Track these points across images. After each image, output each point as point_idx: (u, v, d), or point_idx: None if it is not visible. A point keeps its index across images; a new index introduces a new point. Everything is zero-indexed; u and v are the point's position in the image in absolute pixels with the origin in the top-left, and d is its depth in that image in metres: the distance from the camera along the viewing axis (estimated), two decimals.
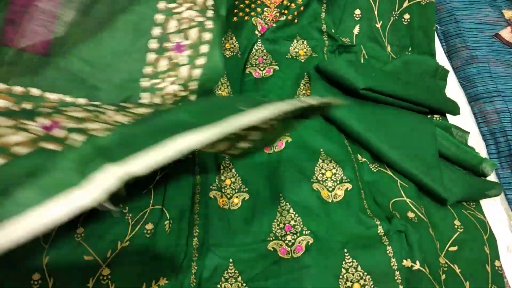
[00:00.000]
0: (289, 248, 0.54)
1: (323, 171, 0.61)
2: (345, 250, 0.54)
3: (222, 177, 0.61)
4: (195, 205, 0.58)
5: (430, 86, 0.76)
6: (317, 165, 0.62)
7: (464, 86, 0.87)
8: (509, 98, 0.82)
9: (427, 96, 0.71)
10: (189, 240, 0.55)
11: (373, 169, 0.63)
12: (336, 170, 0.61)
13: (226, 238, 0.55)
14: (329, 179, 0.61)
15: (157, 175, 0.60)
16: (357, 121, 0.63)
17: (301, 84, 0.70)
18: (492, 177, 0.76)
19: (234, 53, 0.76)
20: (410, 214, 0.59)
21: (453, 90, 0.86)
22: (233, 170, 0.62)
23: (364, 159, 0.64)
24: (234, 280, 0.51)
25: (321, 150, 0.62)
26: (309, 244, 0.54)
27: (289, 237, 0.55)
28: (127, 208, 0.57)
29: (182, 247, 0.54)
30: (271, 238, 0.55)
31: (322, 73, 0.69)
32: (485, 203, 0.72)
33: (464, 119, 0.82)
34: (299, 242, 0.55)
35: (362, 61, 0.79)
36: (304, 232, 0.55)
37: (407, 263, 0.53)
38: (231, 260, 0.53)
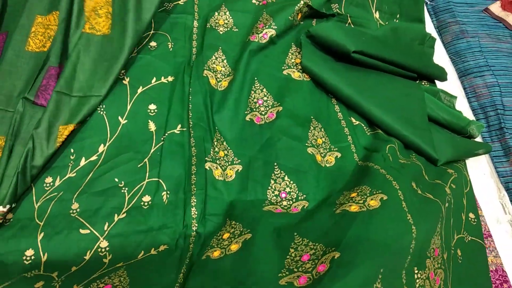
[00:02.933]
0: (285, 210, 0.55)
1: (315, 137, 0.61)
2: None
3: (216, 149, 0.60)
4: (191, 176, 0.57)
5: (418, 52, 0.76)
6: (310, 131, 0.61)
7: (454, 61, 0.86)
8: (499, 73, 0.82)
9: (416, 61, 0.71)
10: (187, 210, 0.55)
11: (367, 132, 0.62)
12: (325, 139, 0.61)
13: (223, 209, 0.55)
14: (320, 146, 0.61)
15: (151, 148, 0.60)
16: (348, 85, 0.63)
17: (289, 53, 0.69)
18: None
19: (228, 29, 0.74)
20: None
21: (444, 65, 0.85)
22: (225, 143, 0.61)
23: (357, 122, 0.63)
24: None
25: (312, 117, 0.62)
26: (305, 207, 0.55)
27: (284, 203, 0.56)
28: (122, 182, 0.57)
29: (180, 217, 0.54)
30: (267, 204, 0.56)
31: (312, 39, 0.68)
32: (475, 176, 0.72)
33: (454, 94, 0.82)
34: (295, 206, 0.55)
35: None
36: (300, 197, 0.56)
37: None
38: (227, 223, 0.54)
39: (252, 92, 0.64)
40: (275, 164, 0.57)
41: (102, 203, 0.54)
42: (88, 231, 0.52)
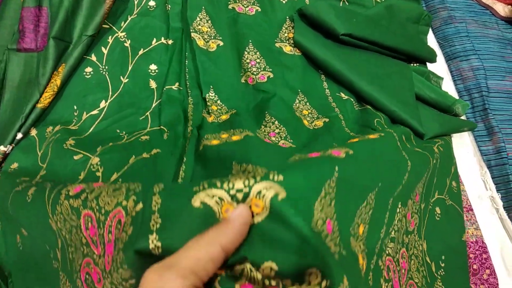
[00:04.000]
0: (273, 143, 0.56)
1: (300, 109, 0.63)
2: None
3: (210, 107, 0.61)
4: (188, 119, 0.58)
5: (411, 33, 0.77)
6: (295, 103, 0.63)
7: (442, 45, 0.89)
8: (485, 57, 0.85)
9: (407, 44, 0.72)
10: (185, 133, 0.55)
11: (356, 107, 0.64)
12: (311, 111, 0.63)
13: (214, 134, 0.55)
14: (307, 115, 0.62)
15: (153, 103, 0.61)
16: (339, 61, 0.64)
17: (283, 28, 0.70)
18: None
19: None
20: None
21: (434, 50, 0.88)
22: (219, 101, 0.61)
23: (347, 97, 0.64)
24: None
25: (299, 90, 0.63)
26: (293, 147, 0.56)
27: (273, 138, 0.57)
28: (124, 132, 0.58)
29: (180, 141, 0.55)
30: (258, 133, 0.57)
31: (304, 17, 0.69)
32: (459, 154, 0.75)
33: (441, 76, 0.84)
34: (283, 143, 0.56)
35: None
36: (288, 139, 0.57)
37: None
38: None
39: (246, 53, 0.65)
40: (266, 113, 0.58)
41: (100, 142, 0.55)
42: (81, 156, 0.52)
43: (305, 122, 0.60)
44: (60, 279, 0.44)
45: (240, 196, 0.29)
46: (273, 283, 0.27)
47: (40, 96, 0.59)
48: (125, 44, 0.66)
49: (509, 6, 0.91)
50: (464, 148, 0.77)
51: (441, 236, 0.58)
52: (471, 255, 0.65)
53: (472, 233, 0.67)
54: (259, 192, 0.29)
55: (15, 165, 0.55)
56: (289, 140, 0.56)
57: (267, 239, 0.27)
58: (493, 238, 0.68)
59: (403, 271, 0.47)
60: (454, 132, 0.71)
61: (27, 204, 0.49)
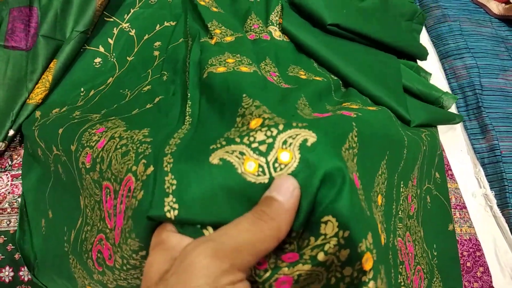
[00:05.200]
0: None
1: (296, 70, 0.61)
2: None
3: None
4: (187, 55, 0.55)
5: (403, 29, 0.77)
6: (290, 67, 0.61)
7: (436, 43, 0.89)
8: (478, 55, 0.85)
9: (398, 40, 0.71)
10: (184, 66, 0.54)
11: (342, 90, 0.63)
12: (307, 74, 0.61)
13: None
14: (303, 75, 0.60)
15: (155, 62, 0.62)
16: (325, 48, 0.63)
17: (275, 10, 0.68)
18: (459, 129, 0.80)
19: None
20: None
21: (426, 47, 0.88)
22: (223, 27, 0.58)
23: (336, 78, 0.63)
24: None
25: (290, 64, 0.62)
26: (296, 87, 0.55)
27: (275, 78, 0.55)
28: (126, 89, 0.58)
29: (180, 78, 0.52)
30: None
31: (293, 5, 0.68)
32: (452, 152, 0.75)
33: (435, 76, 0.84)
34: (285, 85, 0.55)
35: None
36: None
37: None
38: None
39: (248, 20, 0.64)
40: (267, 57, 0.56)
41: (105, 102, 0.54)
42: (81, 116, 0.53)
43: (302, 76, 0.58)
44: (70, 263, 0.44)
45: (263, 148, 0.27)
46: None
47: (30, 93, 0.60)
48: (130, 33, 0.68)
49: (503, 4, 0.92)
50: (458, 146, 0.77)
51: (432, 225, 0.58)
52: (464, 253, 0.65)
53: (466, 231, 0.67)
54: (285, 142, 0.26)
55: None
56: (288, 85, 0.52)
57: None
58: (487, 235, 0.68)
59: (410, 254, 0.45)
60: (441, 123, 0.71)
61: (62, 181, 0.49)
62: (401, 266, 0.41)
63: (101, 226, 0.36)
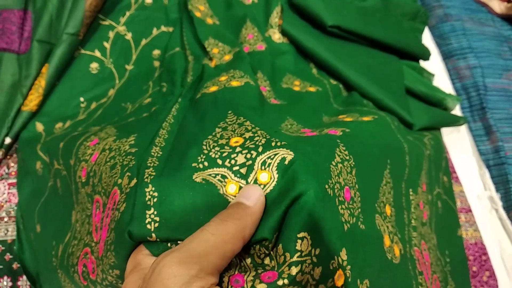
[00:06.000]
0: None
1: (291, 80, 0.60)
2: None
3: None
4: (188, 70, 0.57)
5: (405, 30, 0.75)
6: (286, 76, 0.61)
7: (438, 43, 0.88)
8: (481, 54, 0.84)
9: (400, 39, 0.70)
10: (184, 83, 0.54)
11: (343, 93, 0.62)
12: (303, 83, 0.60)
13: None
14: (297, 85, 0.60)
15: (155, 74, 0.62)
16: (326, 50, 0.62)
17: (274, 12, 0.67)
18: (463, 130, 0.78)
19: None
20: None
21: (429, 47, 0.86)
22: (220, 43, 0.59)
23: (335, 82, 0.63)
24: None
25: (287, 73, 0.61)
26: (285, 104, 0.54)
27: (264, 93, 0.55)
28: (128, 103, 0.59)
29: (177, 90, 0.54)
30: None
31: (293, 7, 0.67)
32: (457, 154, 0.74)
33: (438, 76, 0.83)
34: (274, 101, 0.54)
35: None
36: (277, 99, 0.55)
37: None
38: None
39: (243, 30, 0.63)
40: (259, 71, 0.57)
41: (107, 117, 0.56)
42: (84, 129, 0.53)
43: (296, 88, 0.57)
44: (59, 277, 0.44)
45: (244, 170, 0.28)
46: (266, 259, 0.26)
47: (24, 99, 0.58)
48: (126, 37, 0.66)
49: (505, 3, 0.91)
50: (462, 147, 0.76)
51: (443, 231, 0.57)
52: (470, 257, 0.64)
53: (471, 235, 0.66)
54: (264, 162, 0.28)
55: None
56: (278, 100, 0.52)
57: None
58: (493, 239, 0.67)
59: (427, 263, 0.45)
60: (445, 125, 0.70)
61: (58, 196, 0.50)
62: (420, 277, 0.40)
63: (88, 240, 0.37)
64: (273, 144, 0.29)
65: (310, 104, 0.51)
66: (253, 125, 0.32)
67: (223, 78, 0.44)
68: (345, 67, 0.61)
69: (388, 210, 0.36)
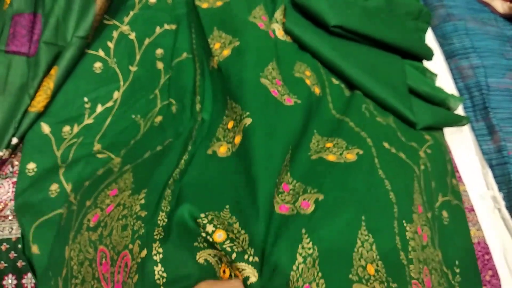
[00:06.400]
0: None
1: (303, 69, 0.61)
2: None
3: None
4: (196, 84, 0.59)
5: (409, 29, 0.75)
6: (296, 64, 0.61)
7: (441, 43, 0.88)
8: (484, 54, 0.84)
9: (403, 39, 0.70)
10: (193, 109, 0.57)
11: (346, 93, 0.62)
12: (312, 75, 0.61)
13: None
14: (309, 77, 0.60)
15: (161, 80, 0.63)
16: (329, 49, 0.62)
17: (278, 10, 0.67)
18: (466, 130, 0.78)
19: None
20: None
21: (431, 47, 0.86)
22: (223, 34, 0.60)
23: (337, 82, 0.63)
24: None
25: (297, 60, 0.62)
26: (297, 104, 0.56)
27: (279, 88, 0.55)
28: (138, 116, 0.60)
29: (187, 115, 0.56)
30: None
31: (296, 6, 0.67)
32: (460, 153, 0.74)
33: (441, 76, 0.83)
34: (288, 99, 0.55)
35: None
36: (291, 95, 0.56)
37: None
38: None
39: (258, 8, 0.64)
40: (274, 59, 0.58)
41: (123, 138, 0.58)
42: (105, 155, 0.55)
43: (307, 81, 0.58)
44: None
45: (233, 256, 0.36)
46: None
47: (32, 100, 0.59)
48: (129, 36, 0.67)
49: (508, 3, 0.91)
50: (465, 147, 0.76)
51: (452, 241, 0.57)
52: None
53: (474, 234, 0.66)
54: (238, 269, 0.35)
55: (32, 166, 0.57)
56: (293, 96, 0.54)
57: None
58: (495, 238, 0.67)
59: None
60: (448, 125, 0.70)
61: (59, 226, 0.52)
62: None
63: (96, 285, 0.41)
64: (245, 257, 0.36)
65: (299, 119, 0.52)
66: (232, 230, 0.39)
67: (230, 125, 0.49)
68: (349, 66, 0.61)
69: (370, 269, 0.38)
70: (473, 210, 0.68)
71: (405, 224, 0.46)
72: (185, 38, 0.65)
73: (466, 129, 0.78)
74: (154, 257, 0.35)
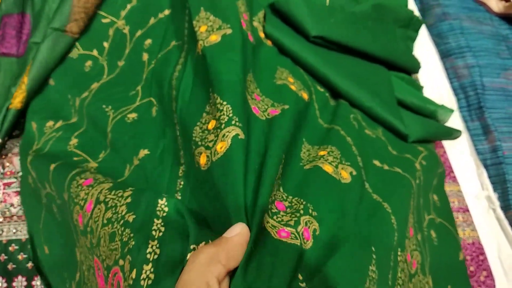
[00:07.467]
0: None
1: (285, 75, 0.55)
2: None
3: None
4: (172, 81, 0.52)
5: (397, 39, 0.71)
6: (278, 70, 0.55)
7: (437, 42, 0.88)
8: (479, 53, 0.84)
9: (390, 51, 0.66)
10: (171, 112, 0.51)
11: (331, 103, 0.58)
12: (296, 82, 0.56)
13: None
14: (293, 83, 0.55)
15: (143, 75, 0.59)
16: (313, 55, 0.58)
17: (260, 12, 0.63)
18: (461, 129, 0.78)
19: None
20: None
21: (427, 46, 0.86)
22: (211, 17, 0.53)
23: (323, 90, 0.59)
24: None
25: (278, 66, 0.56)
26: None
27: (259, 104, 0.50)
28: (109, 106, 0.56)
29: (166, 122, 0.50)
30: None
31: (277, 13, 0.62)
32: (455, 154, 0.74)
33: (436, 75, 0.83)
34: (272, 111, 0.49)
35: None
36: (275, 106, 0.50)
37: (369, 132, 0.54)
38: None
39: (240, 2, 0.59)
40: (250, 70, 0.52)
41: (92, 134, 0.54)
42: (81, 157, 0.52)
43: (292, 87, 0.52)
44: None
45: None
46: None
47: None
48: (123, 31, 0.64)
49: (503, 2, 0.90)
50: (460, 147, 0.76)
51: (442, 263, 0.53)
52: (467, 257, 0.64)
53: (469, 235, 0.66)
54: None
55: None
56: (278, 106, 0.47)
57: None
58: (490, 239, 0.67)
59: None
60: (439, 138, 0.68)
61: (57, 222, 0.49)
62: None
63: None
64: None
65: (288, 126, 0.45)
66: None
67: (211, 125, 0.41)
68: (333, 74, 0.57)
69: None
70: (467, 210, 0.68)
71: (399, 253, 0.41)
72: (178, 25, 0.59)
73: (461, 129, 0.78)
74: (142, 282, 0.28)
